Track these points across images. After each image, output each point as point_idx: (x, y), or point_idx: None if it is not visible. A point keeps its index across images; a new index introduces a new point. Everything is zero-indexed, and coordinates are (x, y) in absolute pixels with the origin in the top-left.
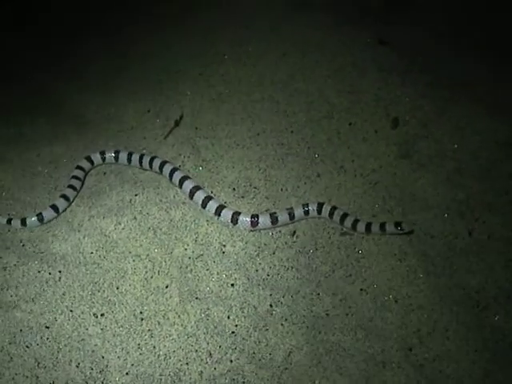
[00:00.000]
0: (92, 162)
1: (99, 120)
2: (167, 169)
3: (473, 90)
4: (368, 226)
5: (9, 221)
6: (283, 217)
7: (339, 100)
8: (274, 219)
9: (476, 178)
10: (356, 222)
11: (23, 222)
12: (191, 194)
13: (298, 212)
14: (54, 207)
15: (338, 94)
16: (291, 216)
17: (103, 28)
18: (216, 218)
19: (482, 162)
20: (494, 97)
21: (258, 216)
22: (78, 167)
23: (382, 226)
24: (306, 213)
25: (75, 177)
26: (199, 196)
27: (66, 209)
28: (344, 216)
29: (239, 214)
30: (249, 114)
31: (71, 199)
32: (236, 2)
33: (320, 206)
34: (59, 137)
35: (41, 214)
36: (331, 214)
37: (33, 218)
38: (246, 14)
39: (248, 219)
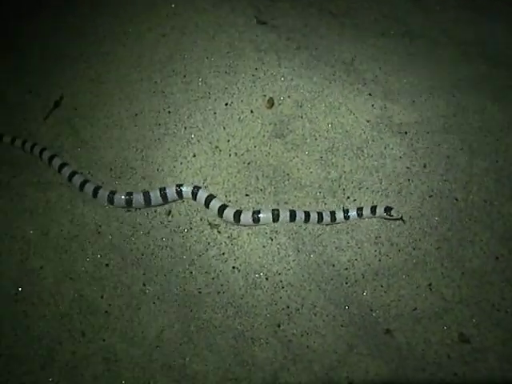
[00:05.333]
0: None
1: None
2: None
3: (352, 68)
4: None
5: None
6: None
7: (216, 80)
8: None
9: (348, 156)
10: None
11: None
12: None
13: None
14: None
15: (216, 74)
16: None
17: None
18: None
19: (354, 141)
20: (373, 75)
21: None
22: None
23: (373, 209)
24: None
25: None
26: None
27: None
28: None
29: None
30: (127, 94)
31: None
32: None
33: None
34: None
35: None
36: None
37: None
38: None
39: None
